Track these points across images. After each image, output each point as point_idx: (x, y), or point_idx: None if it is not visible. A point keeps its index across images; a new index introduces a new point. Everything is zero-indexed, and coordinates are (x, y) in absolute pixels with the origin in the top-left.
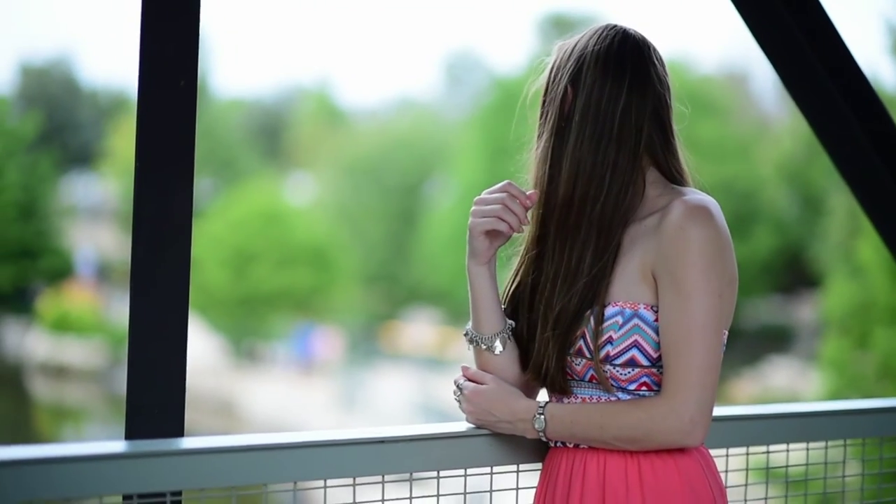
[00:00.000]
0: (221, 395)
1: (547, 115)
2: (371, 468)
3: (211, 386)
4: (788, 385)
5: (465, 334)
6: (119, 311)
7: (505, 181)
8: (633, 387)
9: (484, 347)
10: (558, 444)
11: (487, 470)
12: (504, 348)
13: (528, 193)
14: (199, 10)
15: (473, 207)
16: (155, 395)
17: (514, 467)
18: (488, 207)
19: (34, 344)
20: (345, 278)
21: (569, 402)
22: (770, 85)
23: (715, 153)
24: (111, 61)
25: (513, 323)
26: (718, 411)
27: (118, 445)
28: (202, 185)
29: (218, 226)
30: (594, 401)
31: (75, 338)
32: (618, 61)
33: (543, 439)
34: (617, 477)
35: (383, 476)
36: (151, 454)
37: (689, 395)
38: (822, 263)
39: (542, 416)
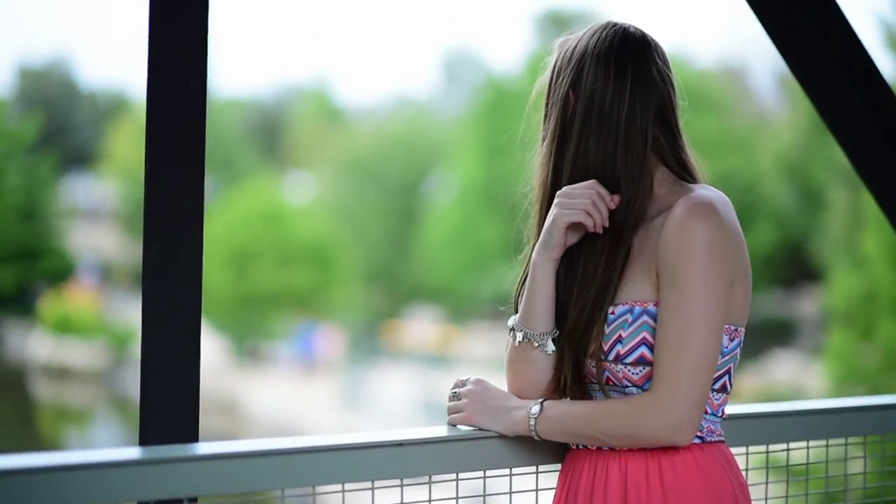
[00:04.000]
0: (224, 394)
1: (549, 119)
2: (389, 471)
3: (213, 386)
4: (792, 378)
5: (512, 329)
6: (120, 311)
7: (590, 180)
8: (647, 385)
9: (536, 346)
10: (580, 447)
11: (506, 472)
12: (555, 347)
13: (612, 196)
14: (207, 10)
15: (559, 199)
16: (169, 399)
17: (533, 469)
18: (576, 201)
19: (36, 345)
20: (345, 277)
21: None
22: (768, 79)
23: (713, 148)
24: (109, 62)
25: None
26: None
27: (133, 452)
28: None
29: (218, 226)
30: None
31: (77, 339)
32: (619, 63)
33: (535, 437)
34: (638, 477)
35: (402, 479)
36: (167, 460)
37: (678, 392)
38: (824, 256)
39: (537, 407)
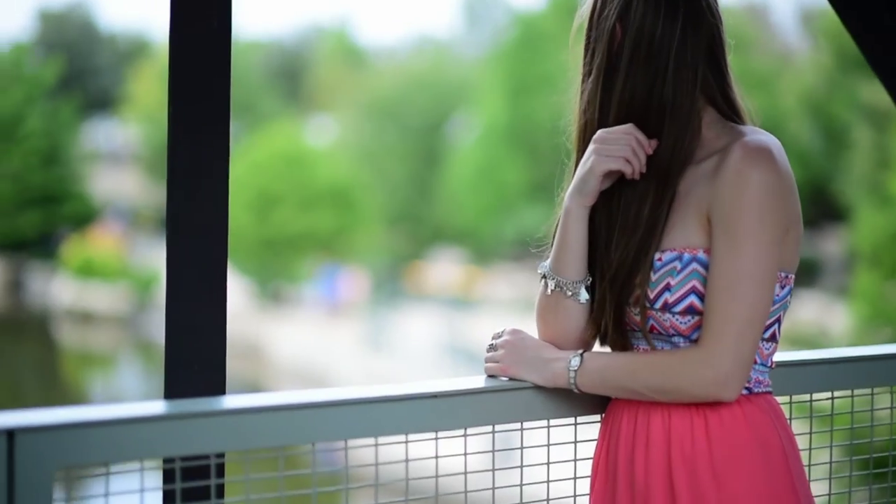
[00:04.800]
0: (248, 338)
1: (593, 54)
2: (424, 424)
3: (237, 329)
4: (816, 319)
5: (543, 277)
6: (144, 256)
7: (628, 124)
8: (696, 335)
9: (569, 294)
10: (619, 399)
11: (544, 423)
12: (588, 294)
13: (651, 142)
14: None
15: (596, 146)
16: (195, 352)
17: (571, 420)
18: (614, 147)
19: (59, 290)
20: (368, 219)
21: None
22: (790, 17)
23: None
24: (129, 4)
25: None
26: None
27: (158, 406)
28: None
29: (240, 168)
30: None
31: (100, 283)
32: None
33: (575, 390)
34: (682, 430)
35: (437, 433)
36: (193, 415)
37: (726, 346)
38: (848, 196)
39: (577, 359)
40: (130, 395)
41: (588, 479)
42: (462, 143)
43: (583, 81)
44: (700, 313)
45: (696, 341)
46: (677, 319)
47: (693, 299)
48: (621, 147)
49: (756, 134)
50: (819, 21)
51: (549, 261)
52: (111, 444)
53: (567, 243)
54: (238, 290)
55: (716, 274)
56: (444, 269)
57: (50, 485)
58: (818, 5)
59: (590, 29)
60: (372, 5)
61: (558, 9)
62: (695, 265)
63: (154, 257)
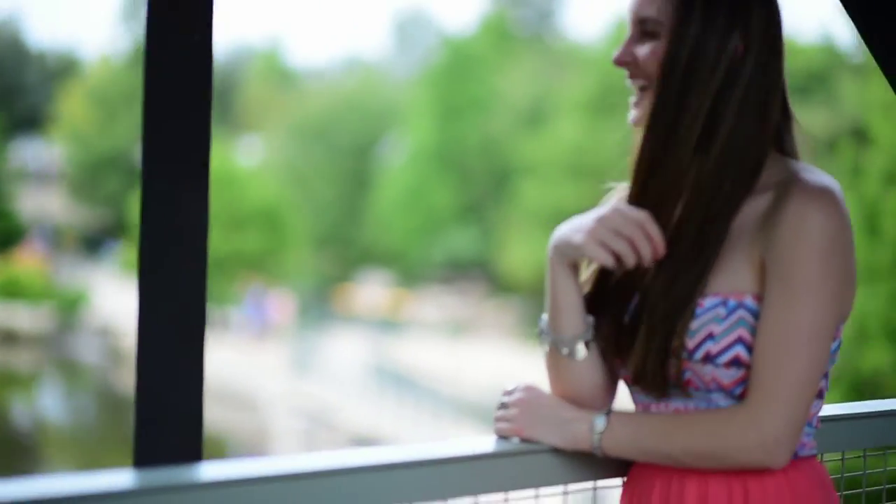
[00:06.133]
0: None
1: (669, 71)
2: (432, 493)
3: None
4: None
5: (540, 333)
6: (69, 275)
7: (644, 212)
8: (738, 391)
9: (565, 352)
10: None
11: (561, 489)
12: (587, 352)
13: (661, 245)
14: None
15: (594, 226)
16: (168, 410)
17: (590, 485)
18: (613, 240)
19: None
20: (296, 241)
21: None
22: None
23: None
24: (59, 22)
25: (592, 319)
26: None
27: (125, 479)
28: None
29: None
30: (691, 409)
31: (25, 303)
32: (777, 14)
33: (598, 452)
34: (720, 501)
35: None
36: (166, 489)
37: (778, 408)
38: None
39: (602, 420)
40: (52, 415)
41: None
42: (391, 165)
43: (658, 92)
44: (746, 366)
45: (738, 398)
46: (720, 372)
47: (739, 350)
48: (619, 244)
49: (815, 174)
50: None
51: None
52: None
53: (555, 298)
54: None
55: (769, 326)
56: (372, 291)
57: None
58: None
59: (677, 29)
60: (303, 27)
61: (488, 32)
62: (742, 312)
63: (79, 277)
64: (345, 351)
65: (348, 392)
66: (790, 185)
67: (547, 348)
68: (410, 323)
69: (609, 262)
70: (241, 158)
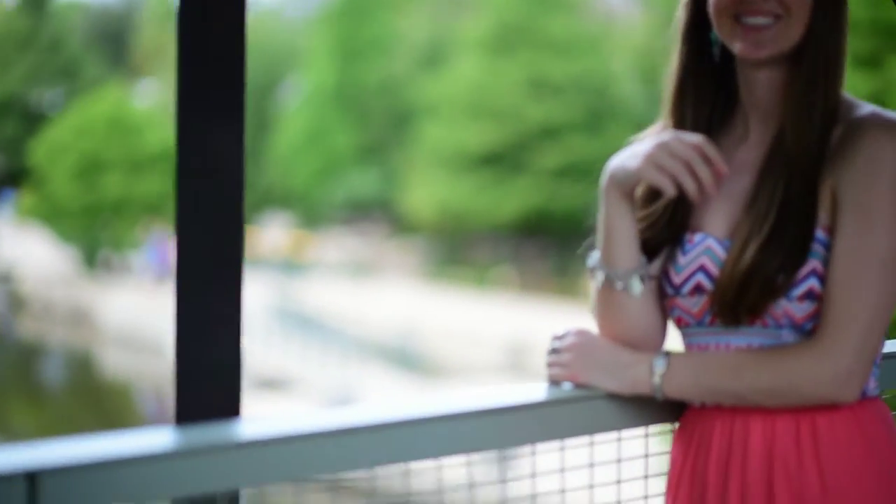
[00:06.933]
0: (76, 305)
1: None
2: (487, 442)
3: (63, 296)
4: None
5: (592, 270)
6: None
7: (701, 136)
8: (809, 326)
9: (620, 287)
10: (705, 404)
11: (615, 435)
12: (643, 287)
13: (722, 167)
14: None
15: (652, 150)
16: (208, 368)
17: (642, 431)
18: (669, 161)
19: None
20: None
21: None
22: None
23: (566, 49)
24: None
25: (645, 259)
26: None
27: (165, 439)
28: (48, 95)
29: (63, 133)
30: (755, 347)
31: None
32: None
33: (658, 395)
34: (787, 439)
35: (503, 451)
36: (205, 450)
37: (851, 339)
38: None
39: (662, 361)
40: None
41: (662, 498)
42: (291, 107)
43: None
44: (819, 299)
45: (807, 333)
46: (794, 306)
47: (813, 282)
48: (677, 164)
49: (881, 110)
50: None
51: (596, 250)
52: (109, 485)
53: (609, 231)
54: (63, 259)
55: (841, 257)
56: (275, 234)
57: None
58: None
59: None
60: None
61: None
62: (815, 244)
63: None
64: (249, 293)
65: (253, 335)
66: (862, 119)
67: (599, 285)
68: (313, 265)
69: (668, 186)
70: (139, 102)
